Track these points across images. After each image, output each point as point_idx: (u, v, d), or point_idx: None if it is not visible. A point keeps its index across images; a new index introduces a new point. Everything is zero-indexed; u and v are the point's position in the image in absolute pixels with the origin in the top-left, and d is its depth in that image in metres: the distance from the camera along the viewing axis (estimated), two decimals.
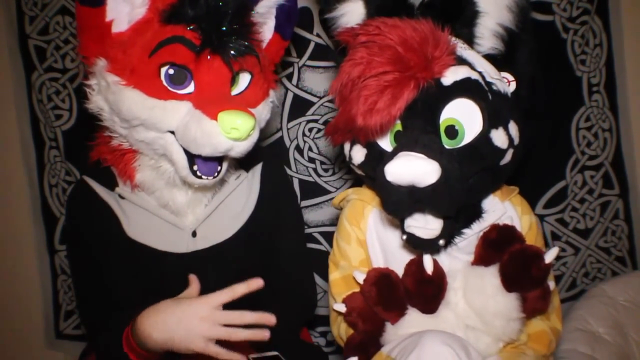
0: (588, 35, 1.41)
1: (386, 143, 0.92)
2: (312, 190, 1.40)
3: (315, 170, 1.40)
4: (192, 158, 0.94)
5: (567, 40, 1.39)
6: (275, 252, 1.11)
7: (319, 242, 1.41)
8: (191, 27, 0.89)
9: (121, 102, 0.90)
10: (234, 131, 0.88)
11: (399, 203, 0.84)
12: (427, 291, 0.91)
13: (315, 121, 1.38)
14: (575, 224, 1.47)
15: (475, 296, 0.91)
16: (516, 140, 0.90)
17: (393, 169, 0.81)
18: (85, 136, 1.06)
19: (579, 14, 1.38)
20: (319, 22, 1.33)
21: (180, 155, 0.93)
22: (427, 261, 0.91)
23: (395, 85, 0.82)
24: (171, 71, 0.91)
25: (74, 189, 1.09)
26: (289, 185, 1.22)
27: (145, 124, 0.91)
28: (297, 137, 1.39)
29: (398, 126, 0.89)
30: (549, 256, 0.89)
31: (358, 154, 0.95)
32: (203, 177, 0.95)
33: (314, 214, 1.40)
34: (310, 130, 1.38)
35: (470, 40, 0.93)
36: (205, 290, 1.05)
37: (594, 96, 1.44)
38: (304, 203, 1.39)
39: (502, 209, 0.98)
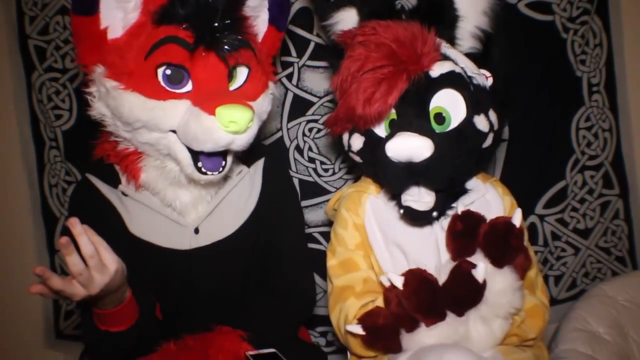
0: (588, 35, 1.41)
1: (382, 130, 1.02)
2: (312, 190, 1.40)
3: (315, 170, 1.40)
4: (196, 155, 0.95)
5: (567, 40, 1.39)
6: (276, 249, 1.12)
7: (318, 242, 1.41)
8: (184, 26, 0.90)
9: (122, 106, 0.91)
10: (232, 124, 0.89)
11: (397, 177, 0.97)
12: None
13: (315, 121, 1.38)
14: (575, 224, 1.47)
15: None
16: (496, 126, 1.01)
17: (393, 145, 0.93)
18: (85, 136, 1.07)
19: (579, 14, 1.39)
20: (318, 22, 1.33)
21: (184, 154, 0.94)
22: (480, 270, 0.91)
23: (390, 77, 0.93)
24: (168, 71, 0.92)
25: (76, 186, 1.09)
26: (290, 182, 1.22)
27: (147, 125, 0.92)
28: (297, 137, 1.39)
29: (393, 115, 1.00)
30: (517, 219, 0.95)
31: (357, 141, 1.04)
32: (208, 173, 0.96)
33: (314, 214, 1.40)
34: (310, 130, 1.38)
35: (452, 41, 1.04)
36: (208, 286, 1.05)
37: (594, 96, 1.44)
38: (304, 203, 1.39)
39: (484, 188, 1.08)
